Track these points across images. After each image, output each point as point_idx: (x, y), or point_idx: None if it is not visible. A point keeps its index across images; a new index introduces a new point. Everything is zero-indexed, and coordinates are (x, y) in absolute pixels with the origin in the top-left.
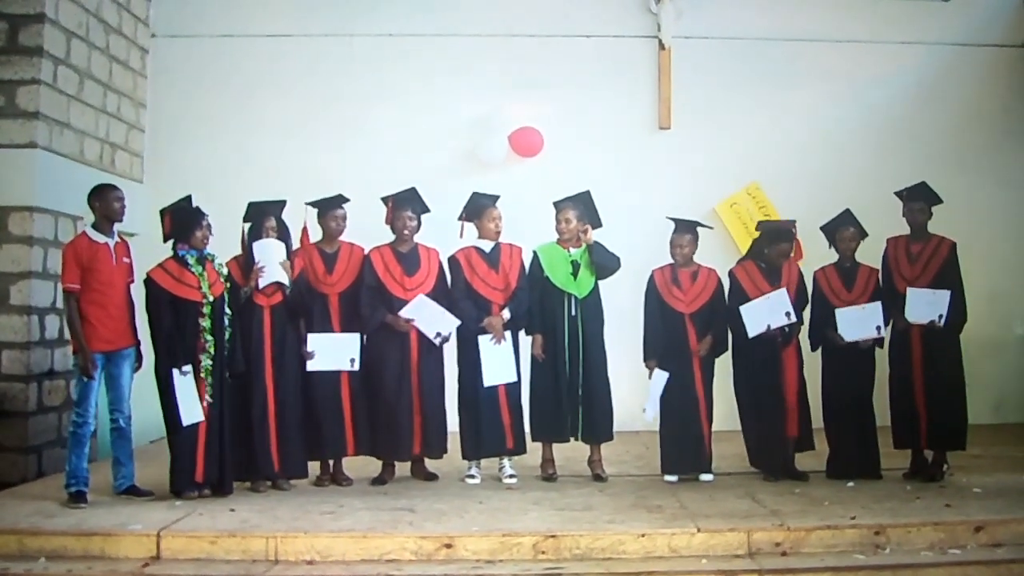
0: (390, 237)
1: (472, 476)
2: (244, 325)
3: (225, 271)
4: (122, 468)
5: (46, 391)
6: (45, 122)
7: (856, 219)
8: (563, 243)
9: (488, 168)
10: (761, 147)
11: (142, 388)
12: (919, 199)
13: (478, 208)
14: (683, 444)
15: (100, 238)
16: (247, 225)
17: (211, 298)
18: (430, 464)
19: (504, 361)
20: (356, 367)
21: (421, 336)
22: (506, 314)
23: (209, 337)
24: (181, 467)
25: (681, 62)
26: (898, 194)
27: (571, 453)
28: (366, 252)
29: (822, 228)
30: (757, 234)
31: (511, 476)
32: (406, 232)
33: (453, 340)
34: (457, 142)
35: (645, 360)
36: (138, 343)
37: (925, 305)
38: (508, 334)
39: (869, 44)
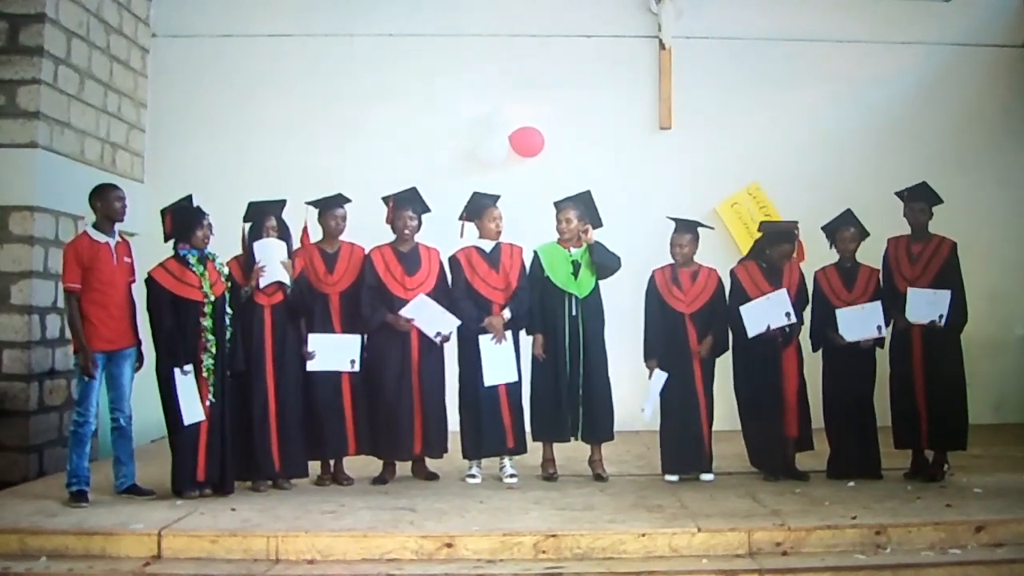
0: (390, 237)
1: (473, 476)
2: (245, 325)
3: (226, 271)
4: (123, 467)
5: (47, 390)
6: (46, 122)
7: (857, 219)
8: (564, 243)
9: (488, 168)
10: (762, 147)
11: (143, 388)
12: (920, 199)
13: (479, 208)
14: (683, 444)
15: (101, 238)
16: (247, 225)
17: (212, 297)
18: (431, 464)
19: (505, 361)
20: (356, 368)
21: (422, 336)
22: (507, 314)
23: (210, 336)
24: (182, 466)
25: (682, 62)
26: (899, 194)
27: (572, 453)
28: (367, 252)
29: (823, 228)
30: (758, 234)
31: (512, 476)
32: (407, 232)
33: (454, 340)
34: (457, 142)
35: (645, 360)
36: (139, 343)
37: (926, 305)
38: (509, 334)
39: (869, 44)
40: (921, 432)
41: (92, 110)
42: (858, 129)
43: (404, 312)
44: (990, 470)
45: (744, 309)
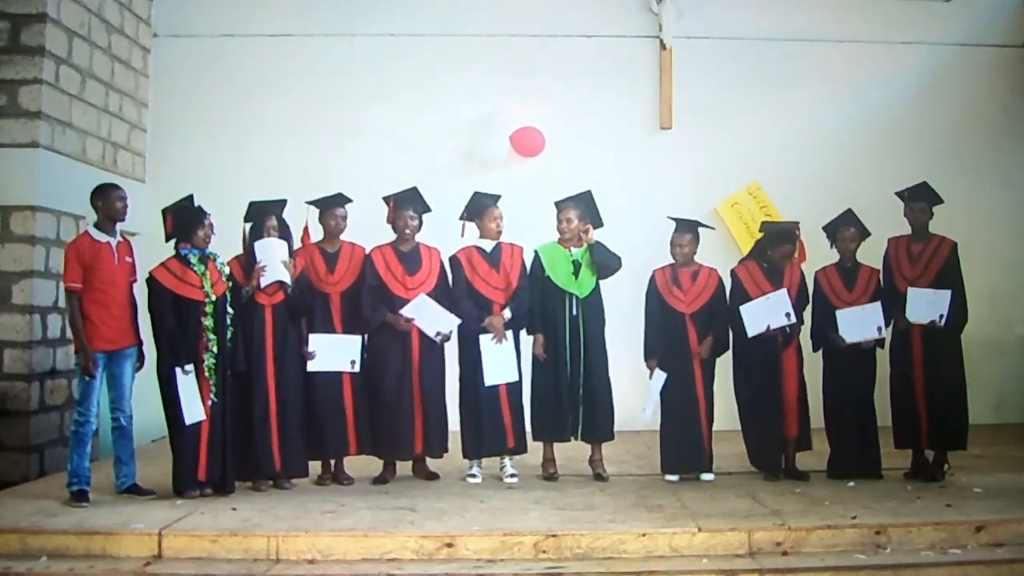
0: (391, 237)
1: (473, 475)
2: (246, 324)
3: (227, 270)
4: (124, 467)
5: (48, 390)
6: (47, 121)
7: (858, 219)
8: (564, 243)
9: (489, 168)
10: (762, 147)
11: (143, 388)
12: (920, 199)
13: (479, 208)
14: (683, 444)
15: (102, 237)
16: (248, 225)
17: (213, 297)
18: (431, 463)
19: (505, 360)
20: (356, 369)
21: (422, 335)
22: (507, 314)
23: (212, 336)
24: (183, 466)
25: (682, 62)
26: (899, 194)
27: (572, 452)
28: (367, 252)
29: (824, 228)
30: (759, 234)
31: (512, 475)
32: (407, 231)
33: (454, 339)
34: (457, 142)
35: (646, 360)
36: (140, 343)
37: (926, 305)
38: (509, 333)
39: (869, 44)
40: (921, 432)
41: (93, 110)
42: (858, 129)
43: (404, 312)
44: (990, 470)
45: (744, 309)
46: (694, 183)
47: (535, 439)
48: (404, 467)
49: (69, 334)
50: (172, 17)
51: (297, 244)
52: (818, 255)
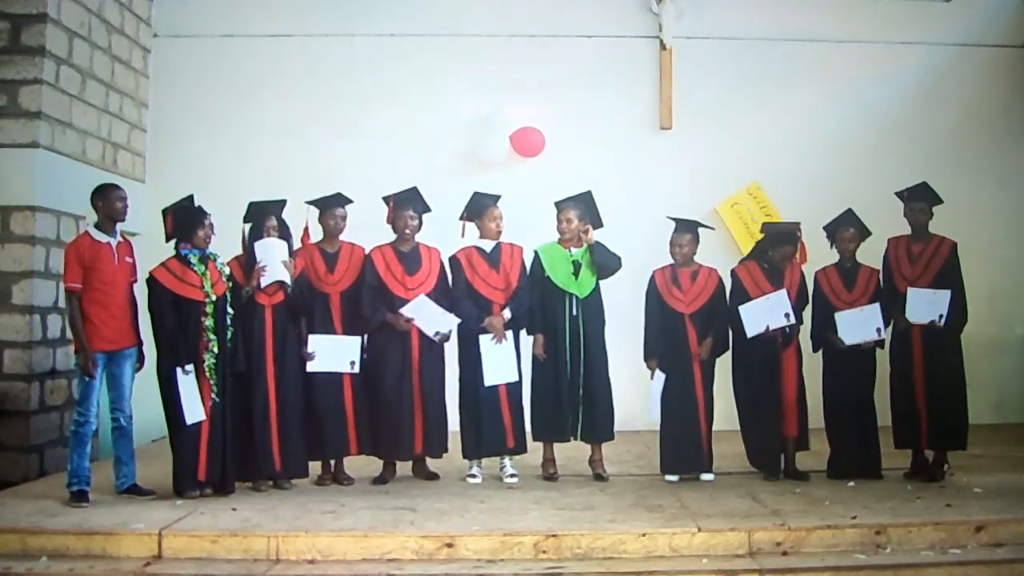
0: (391, 237)
1: (473, 475)
2: (246, 324)
3: (227, 271)
4: (124, 467)
5: (48, 390)
6: (47, 122)
7: (858, 218)
8: (564, 243)
9: (489, 168)
10: (762, 147)
11: (143, 388)
12: (920, 199)
13: (479, 208)
14: (683, 444)
15: (102, 238)
16: (247, 226)
17: (214, 297)
18: (431, 463)
19: (505, 361)
20: (356, 370)
21: (422, 335)
22: (507, 314)
23: (212, 336)
24: (183, 466)
25: (682, 62)
26: (899, 194)
27: (572, 453)
28: (367, 252)
29: (825, 227)
30: (759, 234)
31: (512, 476)
32: (407, 231)
33: (454, 339)
34: (457, 142)
35: (646, 360)
36: (140, 343)
37: (926, 305)
38: (509, 334)
39: (869, 44)
40: (921, 432)
41: (94, 110)
42: (858, 129)
43: (403, 311)
44: (990, 470)
45: (743, 309)
46: (694, 183)
47: (535, 439)
48: (404, 467)
49: (69, 334)
50: (172, 17)
51: (297, 244)
52: (818, 255)
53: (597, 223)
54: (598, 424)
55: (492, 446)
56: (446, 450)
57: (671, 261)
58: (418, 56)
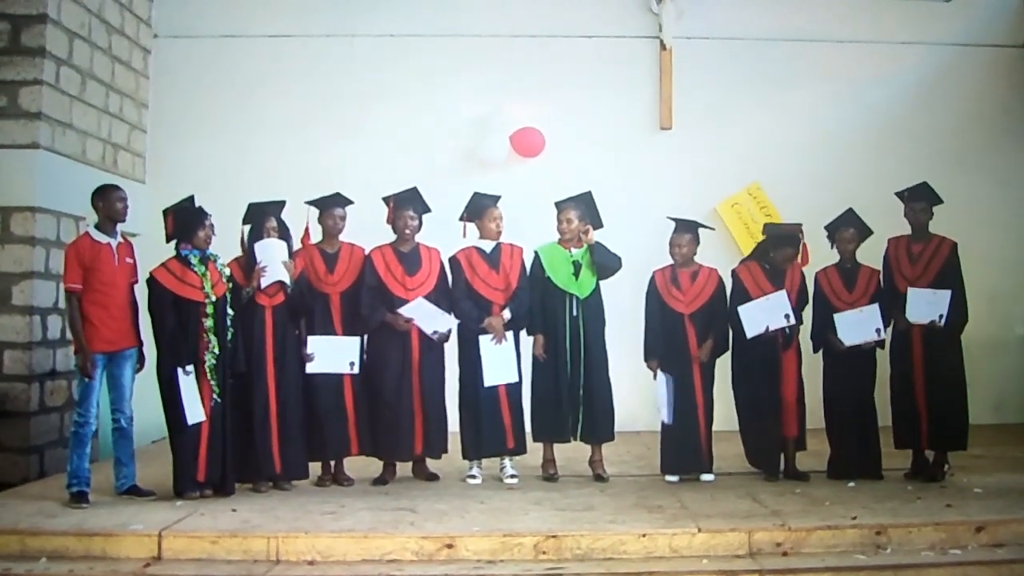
0: (391, 237)
1: (473, 476)
2: (246, 325)
3: (227, 271)
4: (124, 468)
5: (48, 391)
6: (47, 122)
7: (859, 218)
8: (564, 243)
9: (489, 168)
10: (762, 147)
11: (143, 388)
12: (920, 199)
13: (479, 208)
14: (683, 445)
15: (103, 238)
16: (247, 227)
17: (214, 298)
18: (431, 464)
19: (505, 361)
20: (355, 371)
21: (422, 336)
22: (507, 314)
23: (212, 337)
24: (183, 467)
25: (682, 62)
26: (899, 195)
27: (572, 453)
28: (367, 252)
29: (826, 227)
30: (759, 235)
31: (512, 476)
32: (407, 232)
33: (454, 340)
34: (457, 142)
35: (646, 360)
36: (140, 344)
37: (926, 305)
38: (509, 334)
39: (869, 44)
40: (921, 432)
41: (94, 111)
42: (858, 129)
43: (402, 311)
44: (990, 470)
45: (743, 309)
46: (694, 183)
47: (535, 440)
48: (404, 468)
49: (69, 335)
50: (172, 18)
51: (297, 245)
52: (819, 255)
53: (597, 223)
54: (598, 425)
55: (492, 447)
56: (446, 451)
57: (671, 261)
58: (418, 56)
